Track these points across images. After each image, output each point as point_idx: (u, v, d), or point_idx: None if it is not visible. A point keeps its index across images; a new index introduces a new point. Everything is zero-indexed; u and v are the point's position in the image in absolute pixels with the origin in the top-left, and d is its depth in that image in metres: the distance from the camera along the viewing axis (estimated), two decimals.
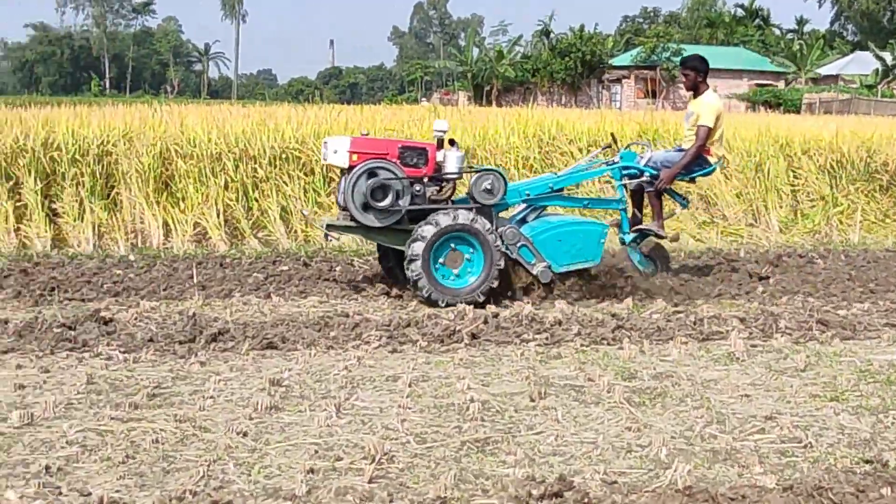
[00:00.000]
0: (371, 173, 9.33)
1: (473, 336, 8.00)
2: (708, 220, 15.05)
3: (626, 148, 10.72)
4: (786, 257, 12.55)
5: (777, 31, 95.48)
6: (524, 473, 4.95)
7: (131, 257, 11.73)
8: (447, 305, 9.17)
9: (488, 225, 9.44)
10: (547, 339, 7.97)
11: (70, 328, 7.89)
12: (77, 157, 13.27)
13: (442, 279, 9.39)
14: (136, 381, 6.57)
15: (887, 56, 71.12)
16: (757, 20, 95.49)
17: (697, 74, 10.38)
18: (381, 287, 9.95)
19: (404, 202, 9.45)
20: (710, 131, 10.09)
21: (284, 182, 13.71)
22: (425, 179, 9.60)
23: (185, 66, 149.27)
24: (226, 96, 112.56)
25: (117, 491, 4.67)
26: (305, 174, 13.92)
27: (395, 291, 9.80)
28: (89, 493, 4.62)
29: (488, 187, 9.58)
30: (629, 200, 10.54)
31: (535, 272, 9.64)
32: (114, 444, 5.32)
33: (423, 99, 76.88)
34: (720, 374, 7.04)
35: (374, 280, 10.43)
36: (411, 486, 4.85)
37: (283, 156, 13.81)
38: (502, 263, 9.44)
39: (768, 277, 10.94)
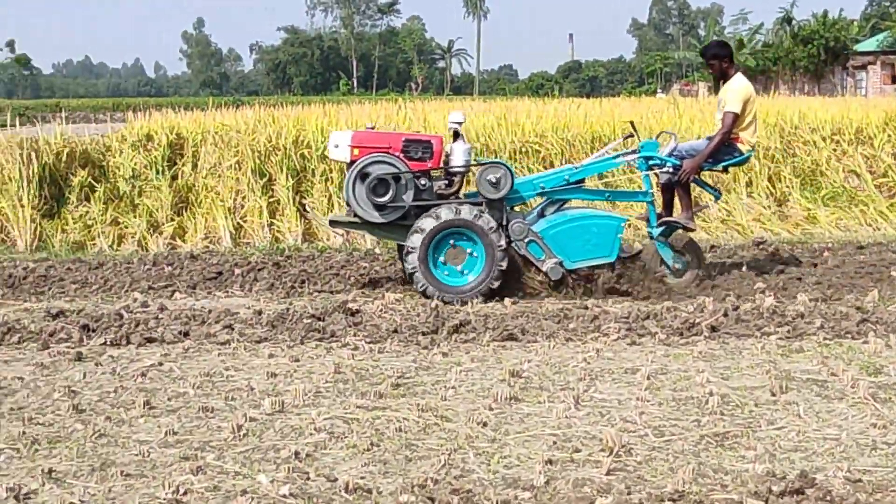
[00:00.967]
0: (373, 167, 9.18)
1: (713, 329, 7.85)
2: None
3: (655, 138, 10.30)
4: None
5: None
6: (764, 469, 4.85)
7: (377, 251, 12.05)
8: (446, 303, 8.95)
9: (492, 223, 9.13)
10: (789, 332, 7.74)
11: (319, 319, 8.20)
12: (326, 154, 13.72)
13: (439, 275, 9.18)
14: (381, 371, 6.77)
15: None
16: None
17: (722, 61, 9.90)
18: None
19: (408, 197, 9.22)
20: (736, 117, 9.57)
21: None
22: (431, 173, 9.40)
23: (429, 64, 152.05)
24: (468, 92, 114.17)
25: (362, 477, 4.84)
26: (545, 167, 13.97)
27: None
28: (335, 479, 4.79)
29: (493, 180, 9.22)
30: (658, 194, 10.07)
31: (544, 269, 9.30)
32: (359, 432, 5.50)
33: (661, 91, 75.80)
34: None
35: None
36: (649, 479, 4.83)
37: (523, 149, 13.94)
38: (504, 264, 9.13)
39: None
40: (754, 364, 6.92)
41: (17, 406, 6.03)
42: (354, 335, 7.72)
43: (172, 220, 13.27)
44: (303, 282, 10.01)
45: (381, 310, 8.56)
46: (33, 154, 13.28)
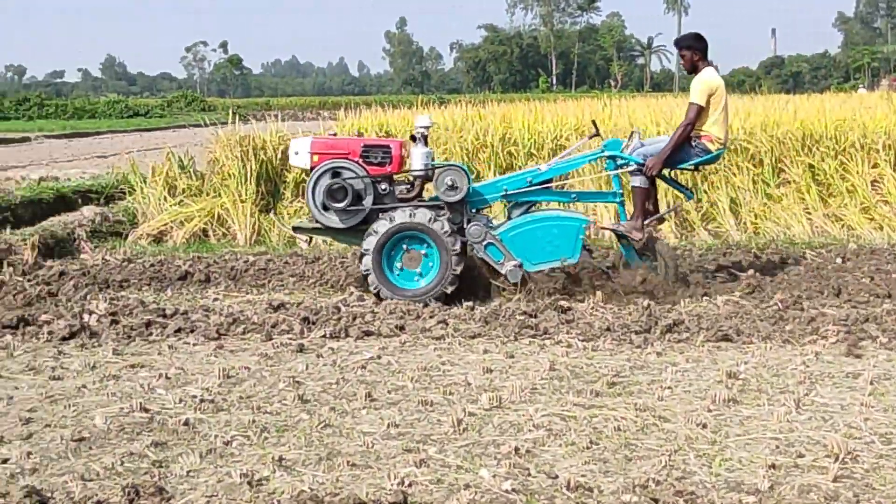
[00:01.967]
0: (331, 174, 9.13)
1: None
2: None
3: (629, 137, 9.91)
4: None
5: None
6: None
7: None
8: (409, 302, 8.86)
9: (447, 227, 9.02)
10: None
11: (531, 316, 8.25)
12: (532, 151, 13.83)
13: (393, 277, 9.09)
14: (596, 369, 6.78)
15: None
16: None
17: (694, 53, 9.67)
18: (837, 280, 9.62)
19: (367, 202, 9.18)
20: (700, 109, 9.35)
21: (733, 173, 13.57)
22: (392, 178, 9.32)
23: (628, 61, 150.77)
24: (667, 89, 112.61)
25: (583, 475, 4.86)
26: (754, 165, 13.71)
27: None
28: (556, 476, 4.84)
29: (450, 183, 9.11)
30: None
31: (503, 272, 9.18)
32: (577, 430, 5.53)
33: (862, 87, 73.01)
34: None
35: (827, 275, 10.08)
36: (878, 487, 4.71)
37: (732, 147, 13.66)
38: (459, 269, 9.01)
39: None
40: None
41: (245, 395, 6.28)
42: (567, 333, 7.74)
43: None
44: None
45: (592, 308, 8.55)
46: (251, 151, 13.75)
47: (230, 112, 16.08)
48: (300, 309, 8.62)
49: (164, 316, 8.37)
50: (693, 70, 9.72)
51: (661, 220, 10.14)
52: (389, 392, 6.30)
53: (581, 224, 9.29)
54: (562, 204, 10.06)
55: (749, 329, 7.79)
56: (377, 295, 9.05)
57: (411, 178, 9.58)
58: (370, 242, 9.01)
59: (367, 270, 9.04)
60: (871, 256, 11.10)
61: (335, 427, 5.64)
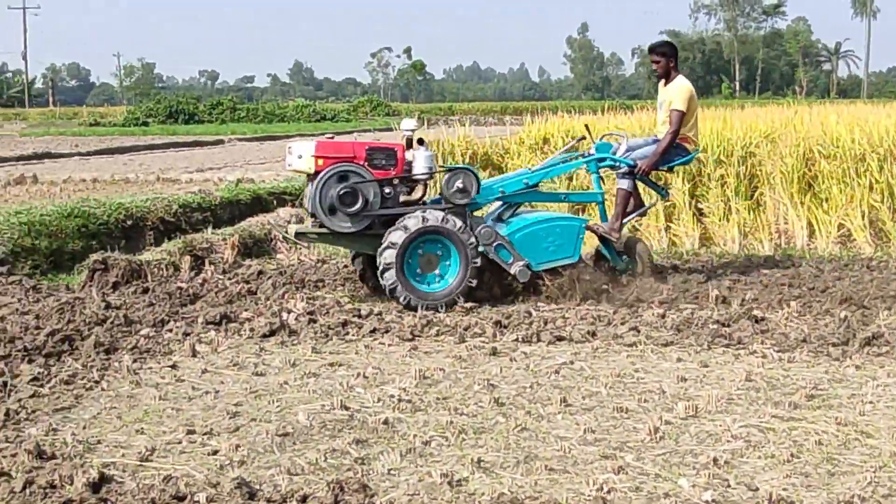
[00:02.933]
0: (339, 177, 9.04)
1: None
2: None
3: (601, 139, 10.09)
4: None
5: None
6: None
7: (776, 257, 11.79)
8: (428, 309, 8.89)
9: (460, 224, 9.11)
10: None
11: (724, 325, 8.15)
12: (722, 158, 13.64)
13: (418, 284, 9.08)
14: (793, 381, 6.66)
15: None
16: None
17: (669, 60, 10.05)
18: None
19: (374, 205, 9.13)
20: (683, 115, 9.78)
21: None
22: (395, 181, 9.17)
23: (814, 66, 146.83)
24: (854, 95, 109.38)
25: (784, 489, 4.79)
26: None
27: None
28: (757, 489, 4.78)
29: (461, 186, 9.24)
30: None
31: (512, 272, 9.31)
32: (776, 442, 5.45)
33: None
34: None
35: None
36: None
37: None
38: (479, 261, 9.12)
39: None
40: None
41: (441, 396, 6.39)
42: (762, 343, 7.62)
43: None
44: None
45: (786, 318, 8.40)
46: (439, 156, 13.94)
47: (418, 117, 16.36)
48: (492, 312, 8.73)
49: (360, 316, 8.60)
50: (666, 75, 10.09)
51: (644, 214, 10.84)
52: (584, 398, 6.33)
53: (581, 224, 9.66)
54: (529, 204, 10.39)
55: None
56: (407, 305, 9.03)
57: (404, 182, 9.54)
58: (390, 255, 8.99)
59: (394, 283, 9.01)
60: None
61: (531, 431, 5.69)
